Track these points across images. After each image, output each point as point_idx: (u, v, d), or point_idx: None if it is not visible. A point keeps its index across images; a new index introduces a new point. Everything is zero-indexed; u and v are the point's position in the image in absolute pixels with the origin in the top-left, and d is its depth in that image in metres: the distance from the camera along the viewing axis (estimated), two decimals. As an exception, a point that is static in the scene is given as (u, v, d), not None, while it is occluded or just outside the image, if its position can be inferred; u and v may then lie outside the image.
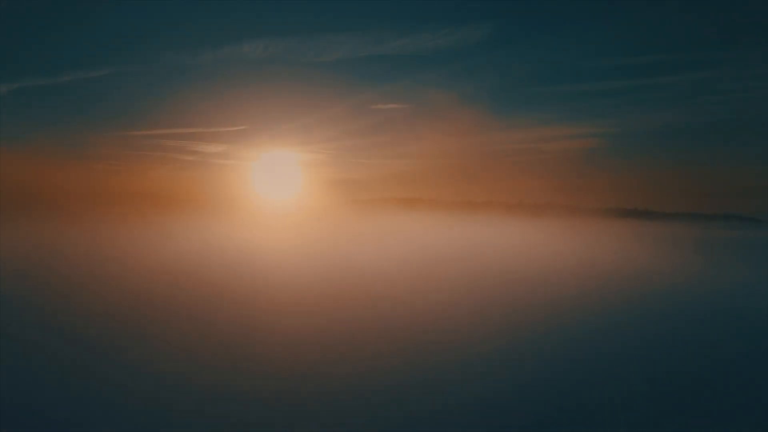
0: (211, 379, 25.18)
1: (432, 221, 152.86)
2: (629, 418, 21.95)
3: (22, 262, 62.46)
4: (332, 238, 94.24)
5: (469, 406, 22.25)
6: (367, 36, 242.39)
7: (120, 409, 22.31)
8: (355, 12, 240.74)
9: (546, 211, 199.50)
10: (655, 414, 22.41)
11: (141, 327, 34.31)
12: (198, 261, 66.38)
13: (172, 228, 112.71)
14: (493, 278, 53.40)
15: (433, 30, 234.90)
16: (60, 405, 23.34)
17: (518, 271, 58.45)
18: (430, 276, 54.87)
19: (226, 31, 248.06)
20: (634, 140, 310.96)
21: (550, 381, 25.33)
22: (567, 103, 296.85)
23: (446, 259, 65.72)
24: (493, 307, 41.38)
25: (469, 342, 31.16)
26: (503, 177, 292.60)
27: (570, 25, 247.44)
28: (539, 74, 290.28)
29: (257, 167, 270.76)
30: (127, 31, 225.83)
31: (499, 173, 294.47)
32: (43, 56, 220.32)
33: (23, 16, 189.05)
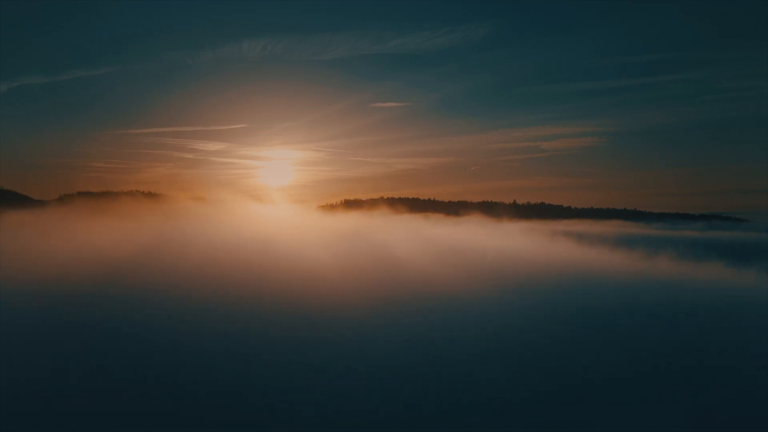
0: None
1: (415, 222, 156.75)
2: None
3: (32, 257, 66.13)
4: (320, 237, 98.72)
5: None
6: (367, 35, 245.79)
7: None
8: (354, 11, 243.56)
9: (536, 213, 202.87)
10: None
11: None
12: (198, 257, 69.63)
13: (171, 225, 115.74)
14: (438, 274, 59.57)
15: (433, 29, 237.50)
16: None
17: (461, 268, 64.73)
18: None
19: (226, 31, 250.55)
20: (633, 139, 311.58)
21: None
22: (566, 102, 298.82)
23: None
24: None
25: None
26: (501, 177, 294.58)
27: (570, 25, 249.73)
28: (538, 73, 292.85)
29: (256, 165, 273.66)
30: (127, 31, 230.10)
31: (496, 173, 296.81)
32: (43, 55, 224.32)
33: (24, 15, 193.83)
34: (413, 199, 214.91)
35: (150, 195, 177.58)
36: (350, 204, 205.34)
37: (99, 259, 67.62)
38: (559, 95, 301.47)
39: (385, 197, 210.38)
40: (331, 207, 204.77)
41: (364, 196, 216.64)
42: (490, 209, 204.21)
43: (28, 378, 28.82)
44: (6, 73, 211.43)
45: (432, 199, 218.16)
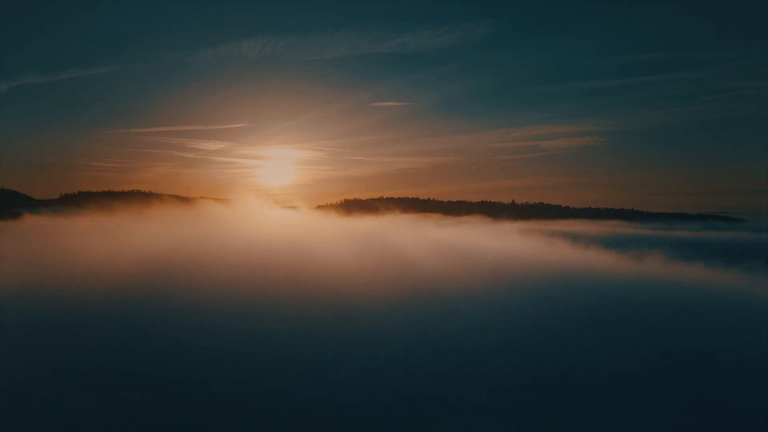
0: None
1: (415, 221, 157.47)
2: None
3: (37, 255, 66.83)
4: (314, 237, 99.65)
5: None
6: (367, 34, 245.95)
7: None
8: (354, 11, 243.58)
9: (535, 213, 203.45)
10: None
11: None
12: (198, 256, 70.36)
13: (171, 223, 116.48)
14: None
15: (432, 28, 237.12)
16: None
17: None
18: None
19: (225, 30, 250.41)
20: (633, 139, 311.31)
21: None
22: (566, 102, 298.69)
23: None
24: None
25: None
26: (500, 176, 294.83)
27: (570, 25, 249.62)
28: (538, 73, 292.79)
29: (257, 165, 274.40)
30: (127, 30, 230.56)
31: (496, 172, 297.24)
32: (43, 54, 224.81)
33: (24, 15, 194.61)
34: (413, 198, 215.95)
35: (150, 193, 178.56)
36: (350, 204, 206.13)
37: (102, 258, 68.18)
38: (559, 95, 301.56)
39: (384, 197, 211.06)
40: (330, 207, 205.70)
41: (363, 196, 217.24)
42: (490, 209, 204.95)
43: (29, 378, 29.28)
44: (6, 73, 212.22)
45: (431, 198, 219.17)
